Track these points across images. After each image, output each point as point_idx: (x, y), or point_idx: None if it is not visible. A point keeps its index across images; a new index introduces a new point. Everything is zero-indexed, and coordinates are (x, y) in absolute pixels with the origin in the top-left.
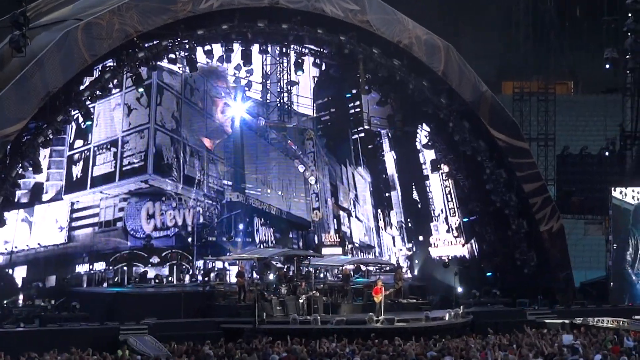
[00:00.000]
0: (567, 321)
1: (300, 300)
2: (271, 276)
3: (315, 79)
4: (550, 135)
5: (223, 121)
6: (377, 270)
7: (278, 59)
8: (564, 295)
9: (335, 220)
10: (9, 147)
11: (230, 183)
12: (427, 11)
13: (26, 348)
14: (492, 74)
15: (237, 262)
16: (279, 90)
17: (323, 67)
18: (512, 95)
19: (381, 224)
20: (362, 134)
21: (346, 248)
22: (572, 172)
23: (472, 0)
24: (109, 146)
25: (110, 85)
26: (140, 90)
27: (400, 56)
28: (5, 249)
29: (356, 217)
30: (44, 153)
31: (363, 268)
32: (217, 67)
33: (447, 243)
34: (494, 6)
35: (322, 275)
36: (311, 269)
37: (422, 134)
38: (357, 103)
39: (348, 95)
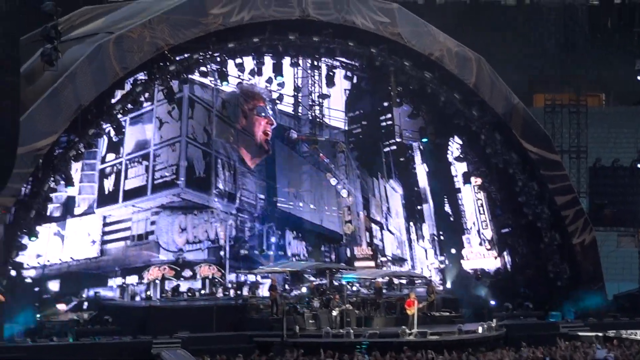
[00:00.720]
0: (600, 334)
1: (333, 314)
2: (303, 289)
3: (347, 92)
4: (582, 148)
5: (263, 140)
6: (410, 284)
7: (309, 71)
8: (596, 308)
9: (367, 233)
10: (41, 160)
11: (262, 196)
12: (457, 23)
13: None
14: (523, 86)
15: (270, 275)
16: (310, 103)
17: (354, 80)
18: (543, 107)
19: (413, 236)
20: (394, 147)
21: (378, 261)
22: (604, 185)
23: (503, 13)
24: (140, 159)
25: (142, 99)
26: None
27: (432, 68)
28: (38, 262)
29: (388, 229)
30: (76, 167)
31: (396, 281)
32: (254, 85)
33: (480, 256)
34: (525, 18)
35: (354, 288)
36: (344, 282)
37: (454, 146)
38: (389, 116)
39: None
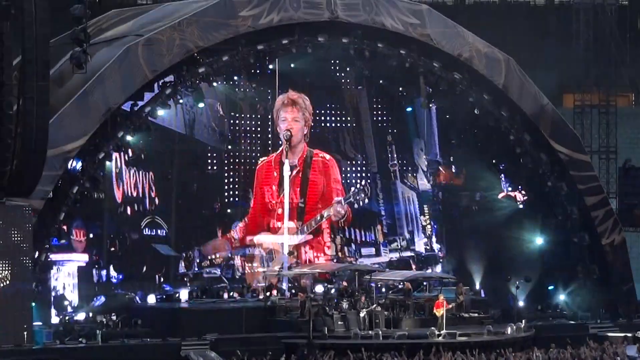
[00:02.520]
0: (629, 334)
1: (362, 315)
2: (318, 288)
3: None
4: (612, 148)
5: None
6: (439, 285)
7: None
8: (626, 308)
9: None
10: (70, 163)
11: None
12: (487, 24)
13: None
14: (552, 87)
15: (299, 277)
16: None
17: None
18: (572, 108)
19: None
20: None
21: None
22: (634, 185)
23: (531, 13)
24: None
25: (171, 101)
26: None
27: (461, 69)
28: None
29: None
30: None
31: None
32: None
33: None
34: (554, 18)
35: (383, 289)
36: (372, 284)
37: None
38: None
39: (409, 109)
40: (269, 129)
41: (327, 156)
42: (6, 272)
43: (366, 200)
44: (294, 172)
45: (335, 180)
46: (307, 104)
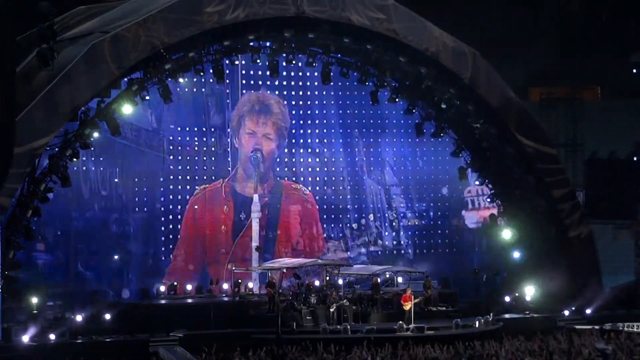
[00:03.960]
0: (597, 327)
1: (331, 310)
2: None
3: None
4: (579, 141)
5: None
6: (407, 279)
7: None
8: (594, 300)
9: None
10: (37, 160)
11: None
12: (453, 18)
13: None
14: (519, 81)
15: (268, 272)
16: None
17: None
18: (539, 101)
19: None
20: None
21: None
22: (600, 178)
23: (497, 7)
24: None
25: (137, 98)
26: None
27: (427, 64)
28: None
29: None
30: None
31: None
32: None
33: None
34: (519, 12)
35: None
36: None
37: (449, 141)
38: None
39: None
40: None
41: (307, 190)
42: None
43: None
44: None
45: (316, 221)
46: (285, 114)
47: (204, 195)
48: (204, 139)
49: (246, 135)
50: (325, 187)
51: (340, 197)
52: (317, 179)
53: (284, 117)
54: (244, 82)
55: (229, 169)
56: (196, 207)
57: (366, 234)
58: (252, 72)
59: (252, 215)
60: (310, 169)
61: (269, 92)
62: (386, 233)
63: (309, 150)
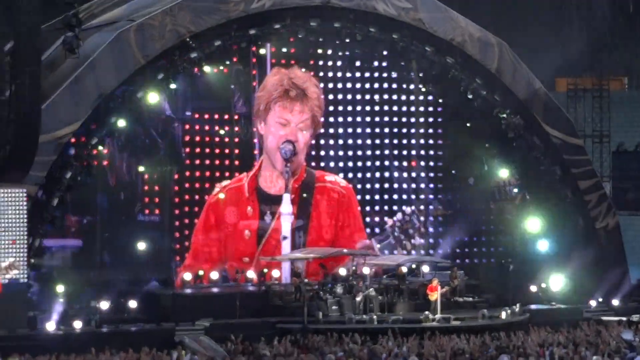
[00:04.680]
0: (624, 318)
1: (357, 299)
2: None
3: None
4: (605, 132)
5: None
6: (433, 270)
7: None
8: (620, 292)
9: None
10: (62, 148)
11: None
12: (480, 8)
13: (82, 350)
14: (546, 71)
15: (293, 262)
16: None
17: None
18: (566, 92)
19: None
20: None
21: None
22: (628, 169)
23: None
24: None
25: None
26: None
27: (453, 54)
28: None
29: None
30: None
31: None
32: None
33: None
34: (546, 1)
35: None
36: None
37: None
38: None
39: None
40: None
41: (342, 182)
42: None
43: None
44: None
45: (355, 215)
46: (322, 100)
47: (224, 195)
48: (226, 128)
49: (277, 124)
50: (356, 179)
51: (369, 187)
52: (346, 169)
53: (320, 103)
54: (273, 60)
55: (253, 162)
56: (213, 210)
57: (405, 225)
58: (282, 54)
59: (282, 218)
60: (340, 160)
61: (304, 70)
62: (417, 224)
63: (338, 139)
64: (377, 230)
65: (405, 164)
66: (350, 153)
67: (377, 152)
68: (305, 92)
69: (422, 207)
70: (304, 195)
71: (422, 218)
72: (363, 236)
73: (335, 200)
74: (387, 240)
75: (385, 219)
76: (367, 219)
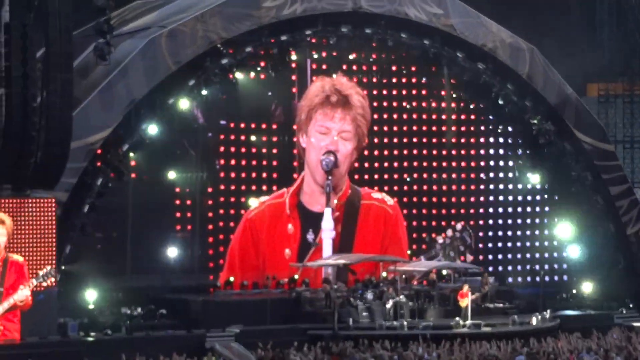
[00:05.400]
0: None
1: (387, 306)
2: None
3: None
4: (636, 138)
5: None
6: (463, 275)
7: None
8: None
9: None
10: (94, 155)
11: None
12: (511, 12)
13: (112, 356)
14: (577, 76)
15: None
16: None
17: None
18: (597, 97)
19: None
20: None
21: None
22: None
23: (555, 1)
24: None
25: (194, 93)
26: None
27: (485, 60)
28: None
29: None
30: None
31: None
32: None
33: None
34: (577, 7)
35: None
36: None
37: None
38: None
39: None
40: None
41: (390, 200)
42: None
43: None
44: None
45: (399, 238)
46: (366, 105)
47: (263, 211)
48: (263, 138)
49: (317, 134)
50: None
51: (415, 200)
52: (381, 182)
53: (365, 114)
54: (314, 66)
55: (293, 174)
56: (251, 227)
57: (455, 242)
58: (323, 59)
59: (324, 234)
60: (385, 174)
61: (346, 78)
62: (468, 240)
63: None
64: (423, 246)
65: (444, 175)
66: (386, 164)
67: (415, 163)
68: (348, 99)
69: (471, 222)
70: (349, 213)
71: (471, 233)
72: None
73: (382, 220)
74: (437, 259)
75: (434, 235)
76: (414, 235)
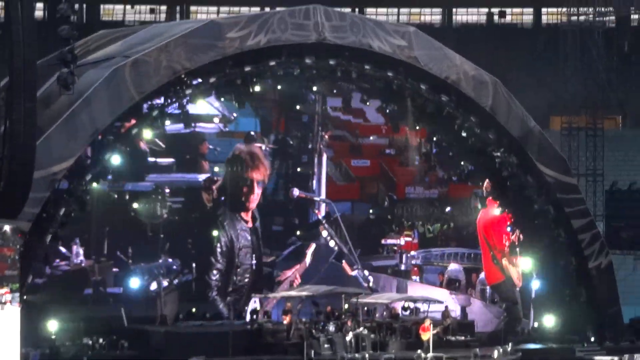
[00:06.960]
0: (616, 358)
1: (348, 338)
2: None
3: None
4: (599, 171)
5: None
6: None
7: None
8: (613, 331)
9: None
10: (56, 185)
11: None
12: (474, 46)
13: None
14: (540, 109)
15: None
16: None
17: (368, 104)
18: (560, 130)
19: None
20: None
21: None
22: (621, 208)
23: (519, 35)
24: None
25: (158, 123)
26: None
27: (448, 92)
28: None
29: None
30: None
31: (411, 305)
32: None
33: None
34: (541, 40)
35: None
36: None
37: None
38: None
39: None
40: None
41: None
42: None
43: None
44: None
45: None
46: None
47: None
48: None
49: None
50: None
51: None
52: None
53: None
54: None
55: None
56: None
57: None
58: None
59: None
60: None
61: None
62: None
63: None
64: None
65: None
66: None
67: None
68: None
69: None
70: None
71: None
72: None
73: None
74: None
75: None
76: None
